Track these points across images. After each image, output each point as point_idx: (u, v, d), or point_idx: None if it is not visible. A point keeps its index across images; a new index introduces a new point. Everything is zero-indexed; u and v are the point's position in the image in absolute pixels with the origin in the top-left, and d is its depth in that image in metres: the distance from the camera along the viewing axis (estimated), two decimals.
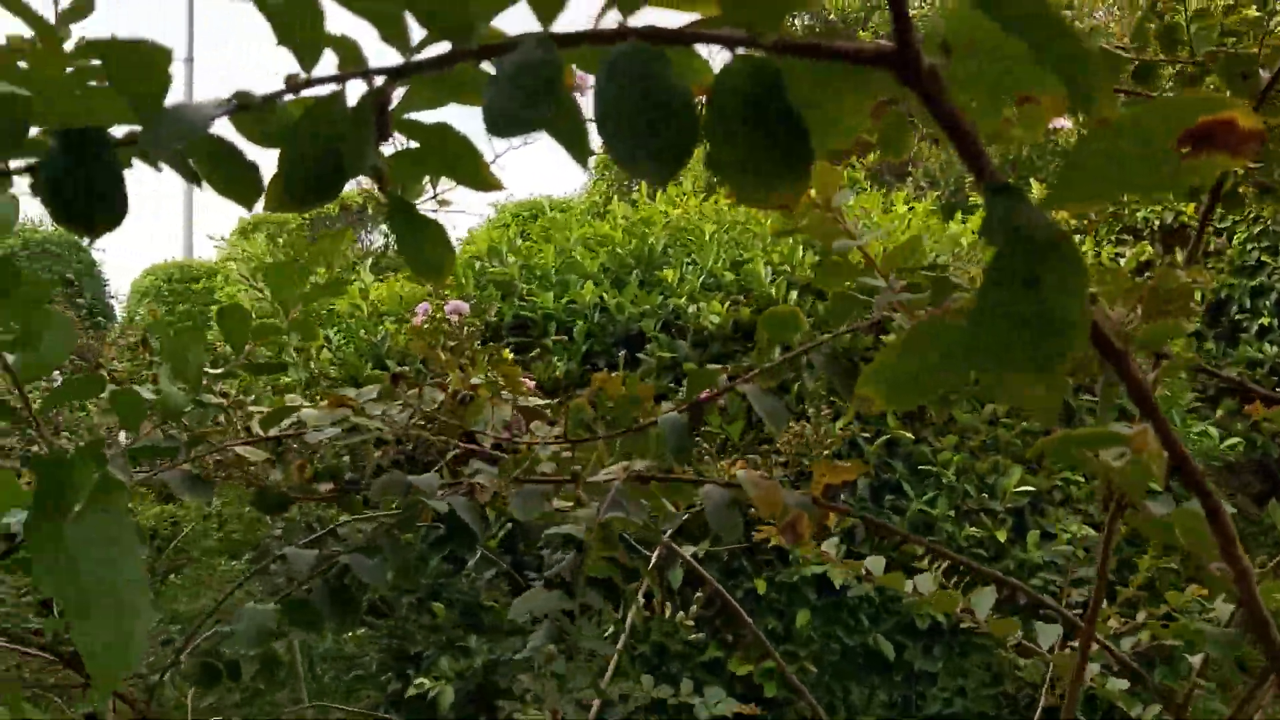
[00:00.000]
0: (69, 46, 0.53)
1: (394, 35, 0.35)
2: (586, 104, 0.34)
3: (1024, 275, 0.30)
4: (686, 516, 1.57)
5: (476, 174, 0.43)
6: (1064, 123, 0.70)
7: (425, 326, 1.08)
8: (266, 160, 0.40)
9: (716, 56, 0.33)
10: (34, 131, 0.38)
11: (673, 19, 0.34)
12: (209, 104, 0.35)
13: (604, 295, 2.94)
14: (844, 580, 2.01)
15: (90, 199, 0.37)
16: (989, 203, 0.29)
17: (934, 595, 1.05)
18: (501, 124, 0.30)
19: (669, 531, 1.55)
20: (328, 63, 0.36)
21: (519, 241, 3.41)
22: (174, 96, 0.35)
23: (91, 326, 6.57)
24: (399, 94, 0.37)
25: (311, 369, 2.72)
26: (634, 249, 3.16)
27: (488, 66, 0.33)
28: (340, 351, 3.12)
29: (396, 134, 0.40)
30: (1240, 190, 1.02)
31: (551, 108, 0.31)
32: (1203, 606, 1.05)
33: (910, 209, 3.35)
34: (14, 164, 0.41)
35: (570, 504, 1.08)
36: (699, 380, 0.86)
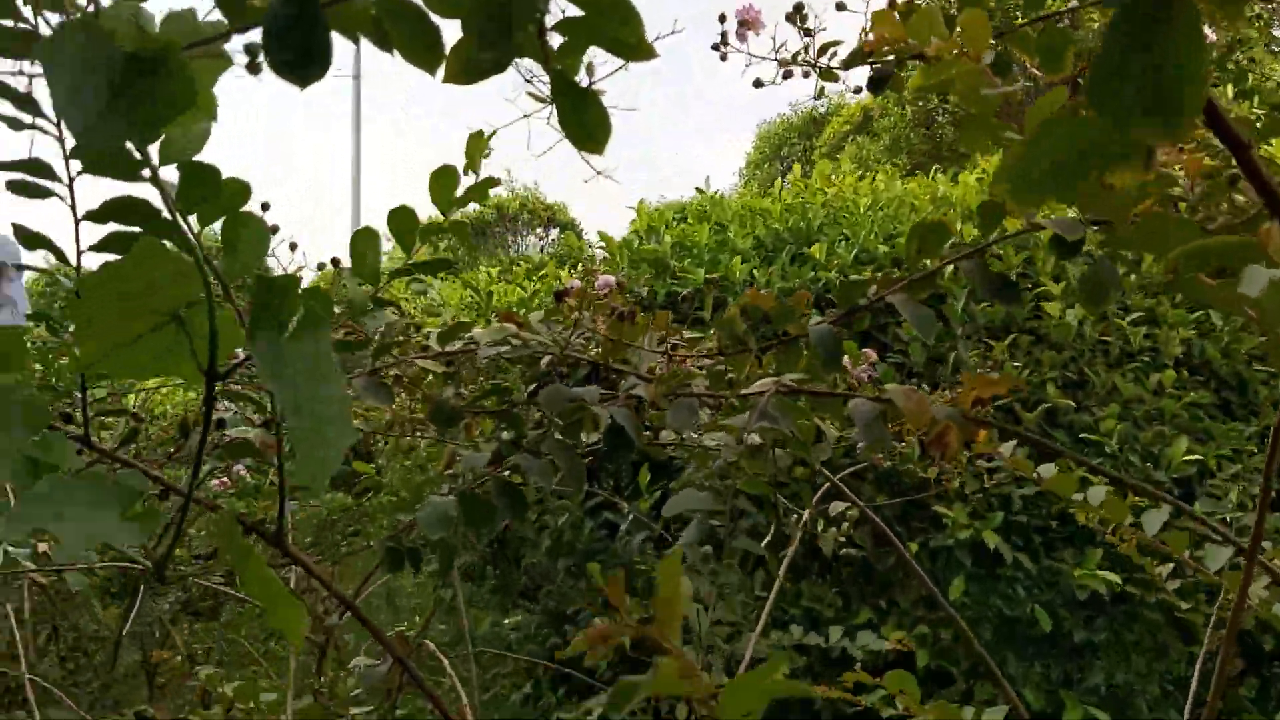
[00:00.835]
0: None
1: None
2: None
3: (1142, 36, 0.33)
4: (835, 447, 1.59)
5: (635, 39, 0.48)
6: None
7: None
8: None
9: None
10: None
11: None
12: None
13: (754, 271, 2.97)
14: (1014, 473, 1.98)
15: (303, 53, 0.44)
16: None
17: (1105, 502, 1.05)
18: None
19: (820, 462, 1.58)
20: None
21: (675, 223, 3.47)
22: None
23: None
24: None
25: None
26: (790, 225, 3.18)
27: None
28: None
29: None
30: None
31: None
32: None
33: None
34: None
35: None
36: (849, 291, 0.89)
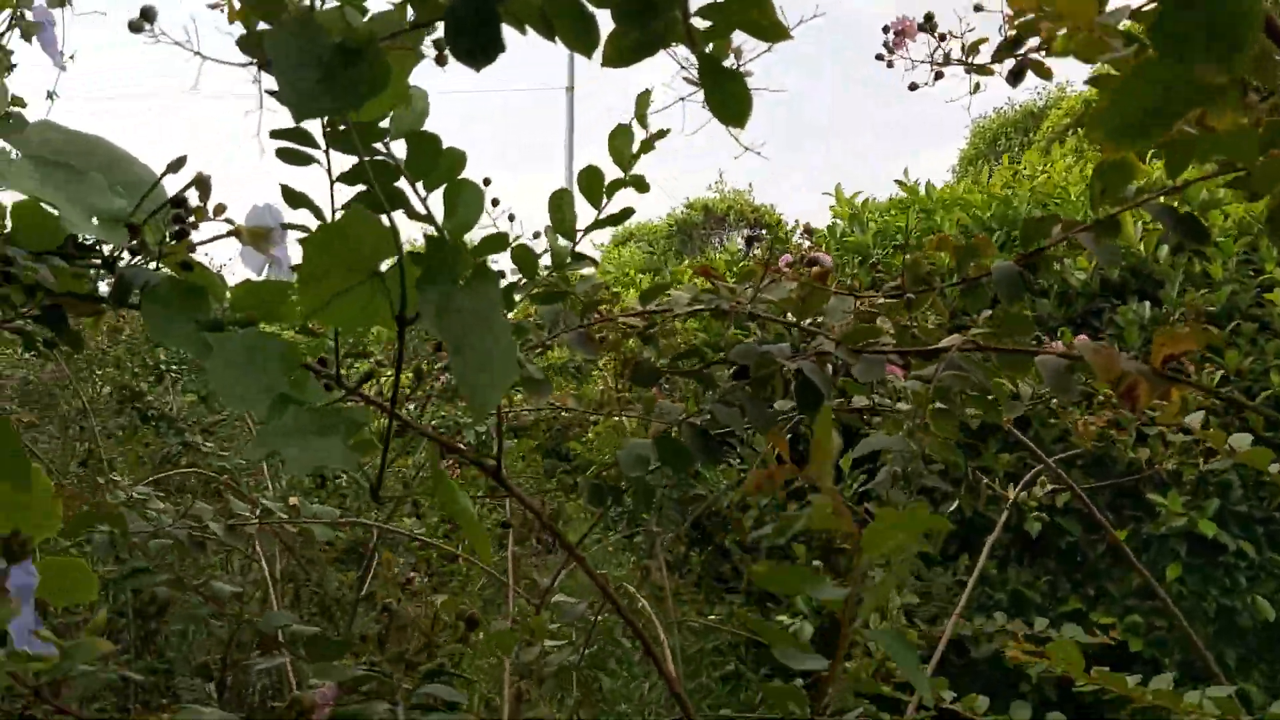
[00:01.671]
0: None
1: None
2: None
3: None
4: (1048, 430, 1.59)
5: (768, 21, 0.53)
6: None
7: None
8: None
9: None
10: None
11: None
12: None
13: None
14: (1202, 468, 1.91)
15: (479, 43, 0.52)
16: None
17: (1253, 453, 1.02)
18: None
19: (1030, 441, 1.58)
20: None
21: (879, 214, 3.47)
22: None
23: None
24: None
25: None
26: (995, 212, 3.13)
27: None
28: None
29: None
30: None
31: None
32: None
33: None
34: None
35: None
36: (1032, 230, 0.91)
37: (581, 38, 0.53)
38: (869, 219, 3.35)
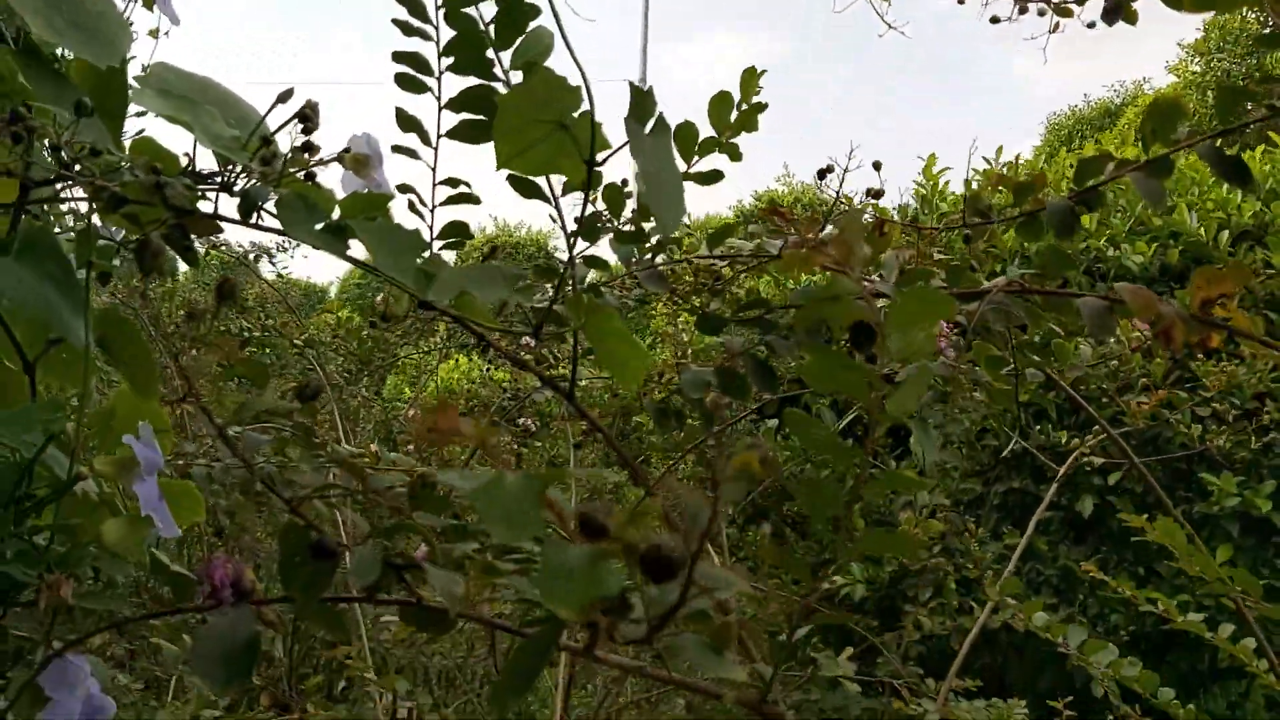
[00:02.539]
0: None
1: None
2: None
3: None
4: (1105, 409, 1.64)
5: None
6: None
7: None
8: None
9: None
10: None
11: None
12: None
13: (1025, 242, 2.96)
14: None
15: None
16: None
17: None
18: None
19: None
20: None
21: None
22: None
23: None
24: None
25: None
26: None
27: None
28: None
29: None
30: None
31: None
32: None
33: None
34: None
35: None
36: (1086, 169, 0.97)
37: None
38: (938, 202, 3.39)
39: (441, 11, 0.80)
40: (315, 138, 0.87)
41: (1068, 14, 1.06)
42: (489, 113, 0.84)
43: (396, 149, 0.90)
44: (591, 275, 1.08)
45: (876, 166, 1.11)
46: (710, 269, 1.29)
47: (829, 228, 1.16)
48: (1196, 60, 10.33)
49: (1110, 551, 2.43)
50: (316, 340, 2.82)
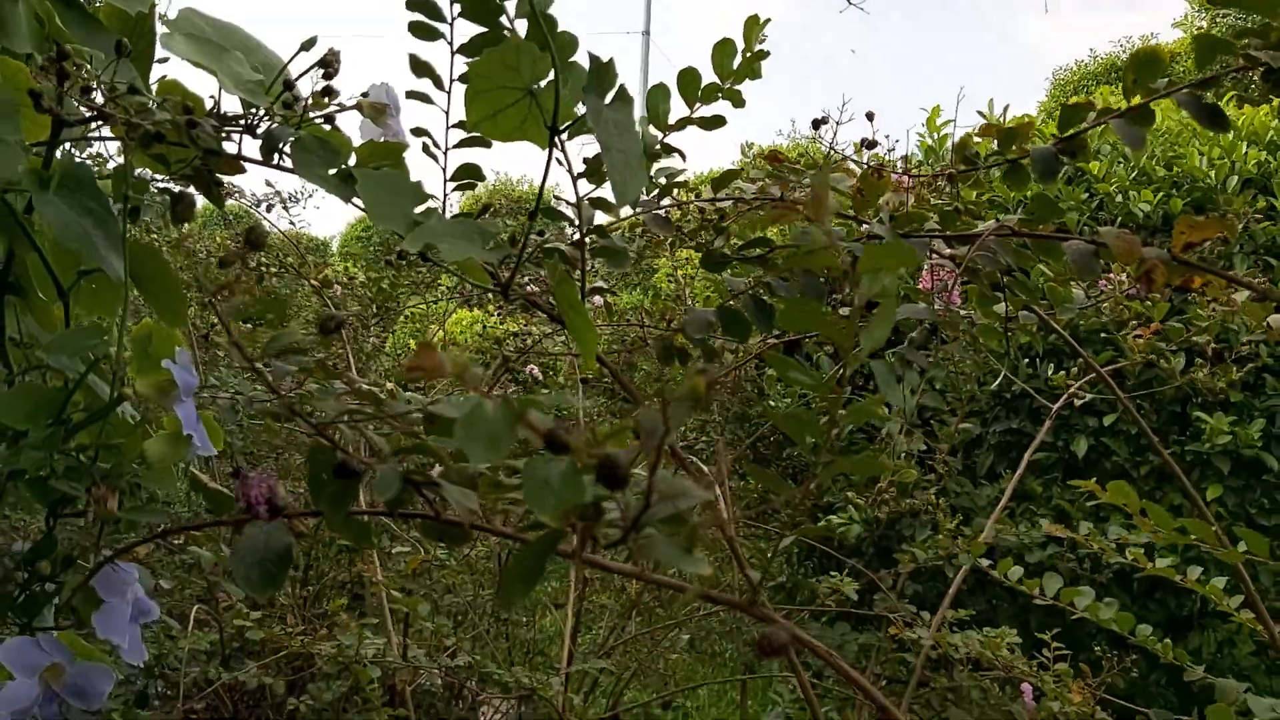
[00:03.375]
0: None
1: None
2: None
3: None
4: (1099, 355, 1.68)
5: None
6: None
7: None
8: None
9: None
10: None
11: None
12: None
13: (1028, 192, 2.99)
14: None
15: None
16: None
17: None
18: None
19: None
20: None
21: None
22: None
23: None
24: None
25: None
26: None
27: None
28: None
29: None
30: None
31: None
32: None
33: None
34: None
35: None
36: (1070, 115, 1.01)
37: None
38: (943, 153, 3.42)
39: None
40: (335, 84, 0.91)
41: None
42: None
43: (411, 94, 0.94)
44: (600, 217, 1.12)
45: (870, 117, 1.15)
46: (716, 208, 1.32)
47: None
48: (1203, 15, 10.22)
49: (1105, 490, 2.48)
50: (334, 280, 2.87)
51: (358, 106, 0.97)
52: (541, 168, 0.82)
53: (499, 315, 3.74)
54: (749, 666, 2.60)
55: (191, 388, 0.76)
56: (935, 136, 3.52)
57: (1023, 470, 2.02)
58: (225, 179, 0.94)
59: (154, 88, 0.90)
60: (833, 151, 1.16)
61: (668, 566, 0.44)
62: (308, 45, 0.87)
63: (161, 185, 0.96)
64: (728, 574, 2.33)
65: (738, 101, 1.17)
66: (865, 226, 1.17)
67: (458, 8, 0.86)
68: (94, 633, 0.65)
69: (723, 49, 1.09)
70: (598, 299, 2.18)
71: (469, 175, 1.01)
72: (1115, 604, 1.43)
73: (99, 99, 0.76)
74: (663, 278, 4.51)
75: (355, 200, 0.80)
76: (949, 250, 1.13)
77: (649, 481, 0.40)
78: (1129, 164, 2.95)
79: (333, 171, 0.82)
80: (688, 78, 1.07)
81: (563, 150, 0.83)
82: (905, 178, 1.21)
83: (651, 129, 1.09)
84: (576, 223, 1.05)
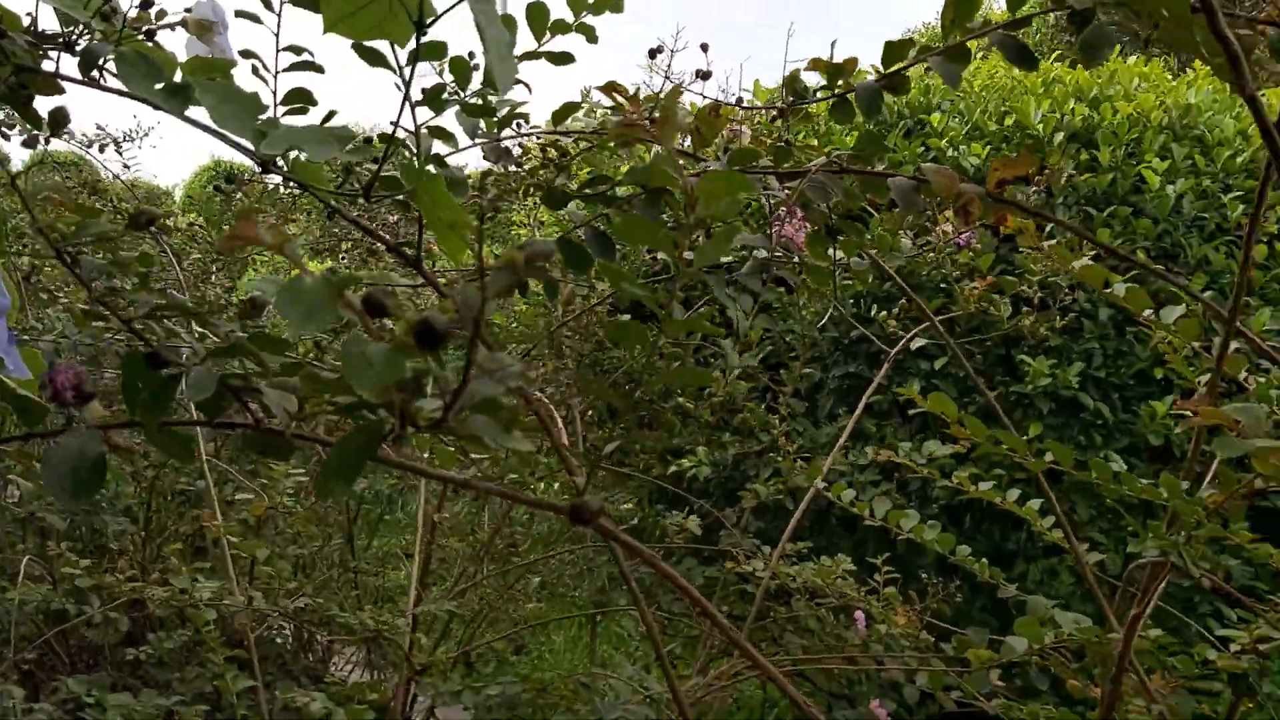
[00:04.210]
0: None
1: None
2: None
3: None
4: (932, 300, 1.75)
5: None
6: None
7: None
8: None
9: None
10: None
11: None
12: None
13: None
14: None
15: None
16: None
17: (1128, 292, 1.20)
18: None
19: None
20: None
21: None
22: None
23: None
24: None
25: None
26: (907, 100, 3.28)
27: None
28: None
29: None
30: None
31: None
32: None
33: None
34: None
35: None
36: (892, 53, 1.05)
37: None
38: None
39: None
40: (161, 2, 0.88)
41: None
42: None
43: (240, 14, 0.91)
44: (437, 146, 1.11)
45: (704, 48, 1.17)
46: (557, 146, 1.33)
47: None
48: None
49: (933, 432, 2.61)
50: (171, 226, 2.75)
51: (183, 23, 0.94)
52: (385, 100, 0.81)
53: (347, 263, 3.66)
54: (599, 606, 2.64)
55: (4, 309, 0.73)
56: (760, 95, 3.60)
57: (860, 411, 2.12)
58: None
59: None
60: (667, 80, 1.18)
61: (489, 448, 0.45)
62: None
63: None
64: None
65: (591, 37, 1.17)
66: (703, 164, 1.19)
67: None
68: None
69: None
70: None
71: (300, 99, 0.99)
72: (938, 526, 1.51)
73: None
74: (519, 227, 4.48)
75: (191, 115, 0.78)
76: (779, 186, 1.16)
77: (469, 355, 0.41)
78: (964, 119, 3.07)
79: (161, 86, 0.79)
80: (536, 10, 1.07)
81: (402, 77, 0.82)
82: (740, 110, 1.24)
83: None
84: (415, 152, 1.04)
